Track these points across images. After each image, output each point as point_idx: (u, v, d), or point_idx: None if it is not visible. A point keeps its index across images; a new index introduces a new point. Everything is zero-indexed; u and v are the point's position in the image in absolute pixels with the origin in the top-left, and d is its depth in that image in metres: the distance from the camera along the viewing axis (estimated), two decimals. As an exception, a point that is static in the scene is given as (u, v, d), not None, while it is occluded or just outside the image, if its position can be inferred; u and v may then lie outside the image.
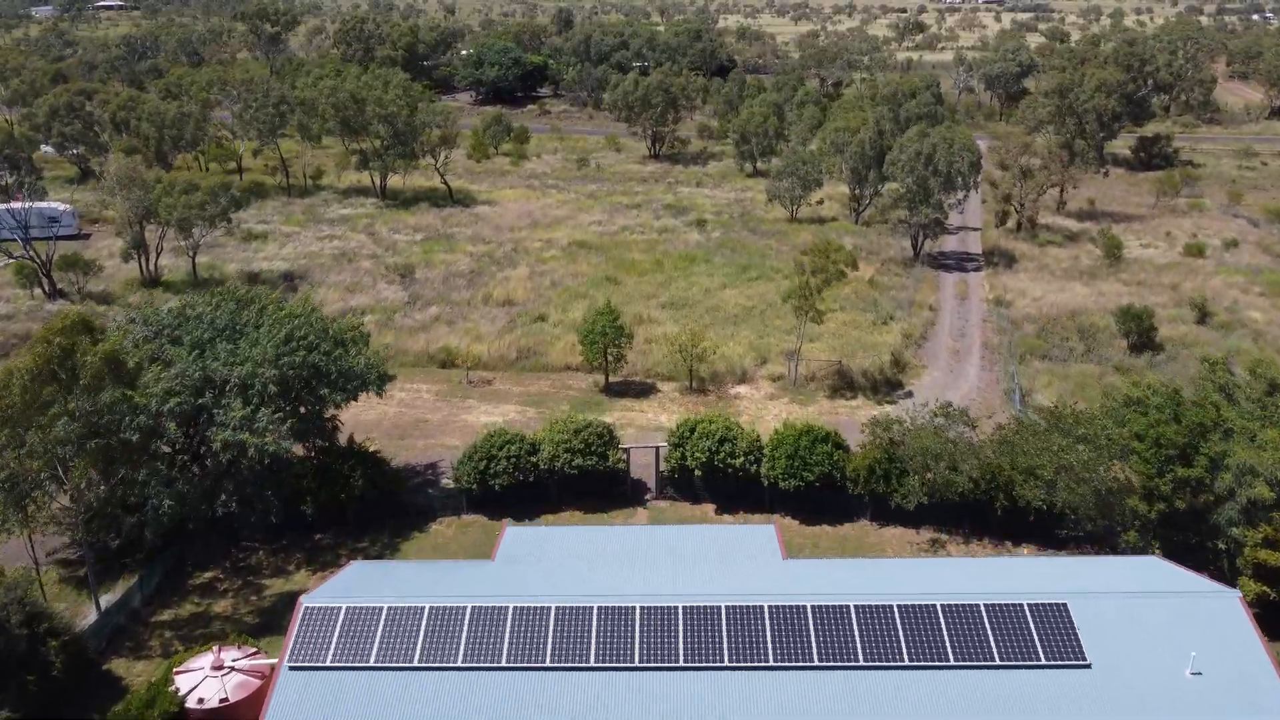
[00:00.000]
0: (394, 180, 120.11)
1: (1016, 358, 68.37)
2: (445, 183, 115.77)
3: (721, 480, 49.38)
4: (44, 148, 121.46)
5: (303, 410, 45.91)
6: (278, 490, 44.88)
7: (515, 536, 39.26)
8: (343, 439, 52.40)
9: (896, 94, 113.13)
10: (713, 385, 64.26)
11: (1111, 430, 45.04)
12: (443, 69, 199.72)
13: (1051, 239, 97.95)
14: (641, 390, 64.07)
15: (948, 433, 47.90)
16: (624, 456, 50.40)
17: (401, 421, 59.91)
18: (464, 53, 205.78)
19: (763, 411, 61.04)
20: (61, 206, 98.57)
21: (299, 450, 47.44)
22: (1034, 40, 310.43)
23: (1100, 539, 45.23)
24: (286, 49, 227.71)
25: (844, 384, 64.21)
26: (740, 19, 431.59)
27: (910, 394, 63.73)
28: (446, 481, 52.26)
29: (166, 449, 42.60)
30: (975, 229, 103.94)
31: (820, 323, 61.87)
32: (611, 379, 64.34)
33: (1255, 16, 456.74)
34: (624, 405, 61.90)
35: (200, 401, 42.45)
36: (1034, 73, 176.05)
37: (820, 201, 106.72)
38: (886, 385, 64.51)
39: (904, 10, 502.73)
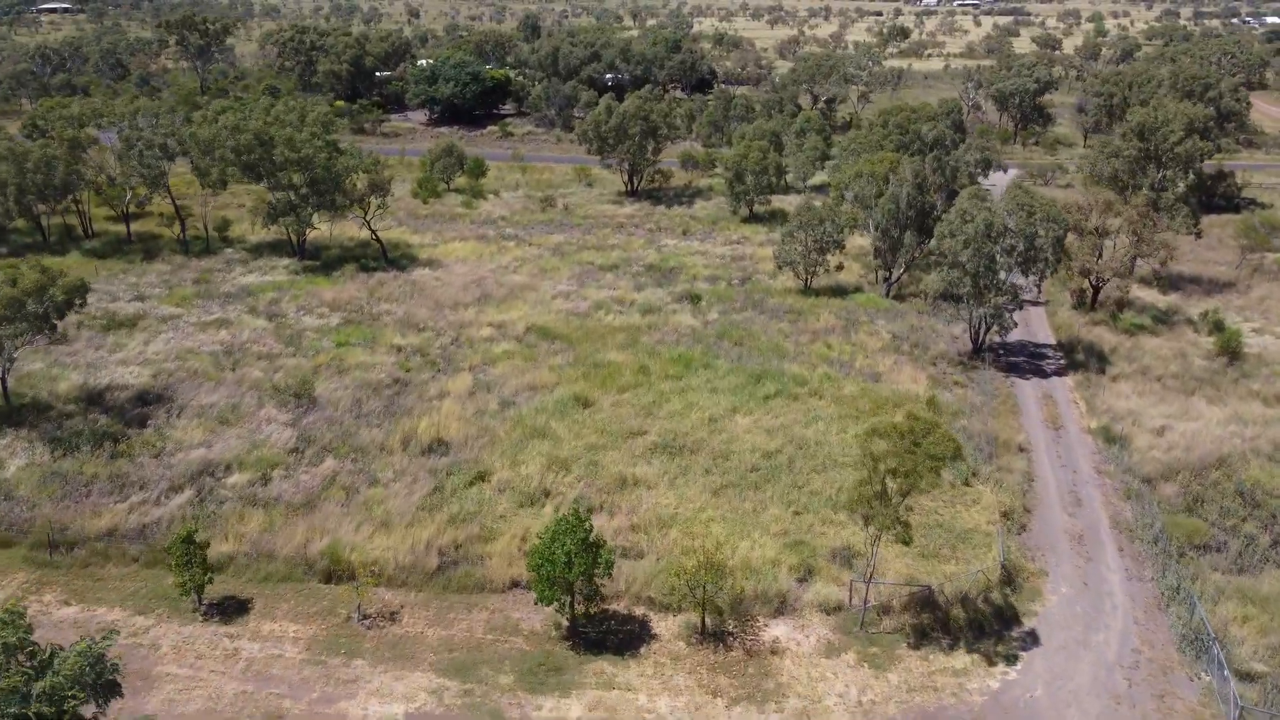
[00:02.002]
0: (320, 230, 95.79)
1: (1174, 555, 45.32)
2: (377, 239, 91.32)
3: None
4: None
5: None
6: None
7: None
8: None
9: (943, 136, 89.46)
10: (736, 623, 40.71)
11: None
12: (393, 84, 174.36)
13: (1139, 321, 75.10)
14: (627, 637, 40.27)
15: None
16: None
17: (241, 716, 35.92)
18: (421, 63, 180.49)
19: (819, 684, 37.55)
20: None
21: None
22: (1020, 46, 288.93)
23: None
24: (232, 56, 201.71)
25: (934, 621, 40.88)
26: (715, 22, 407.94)
27: (1034, 636, 40.51)
28: None
29: None
30: (1036, 303, 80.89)
31: (909, 543, 38.44)
32: (581, 612, 40.66)
33: (1234, 20, 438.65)
34: (598, 671, 38.20)
35: None
36: (1052, 89, 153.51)
37: (840, 266, 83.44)
38: (996, 619, 41.25)
39: (879, 14, 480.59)
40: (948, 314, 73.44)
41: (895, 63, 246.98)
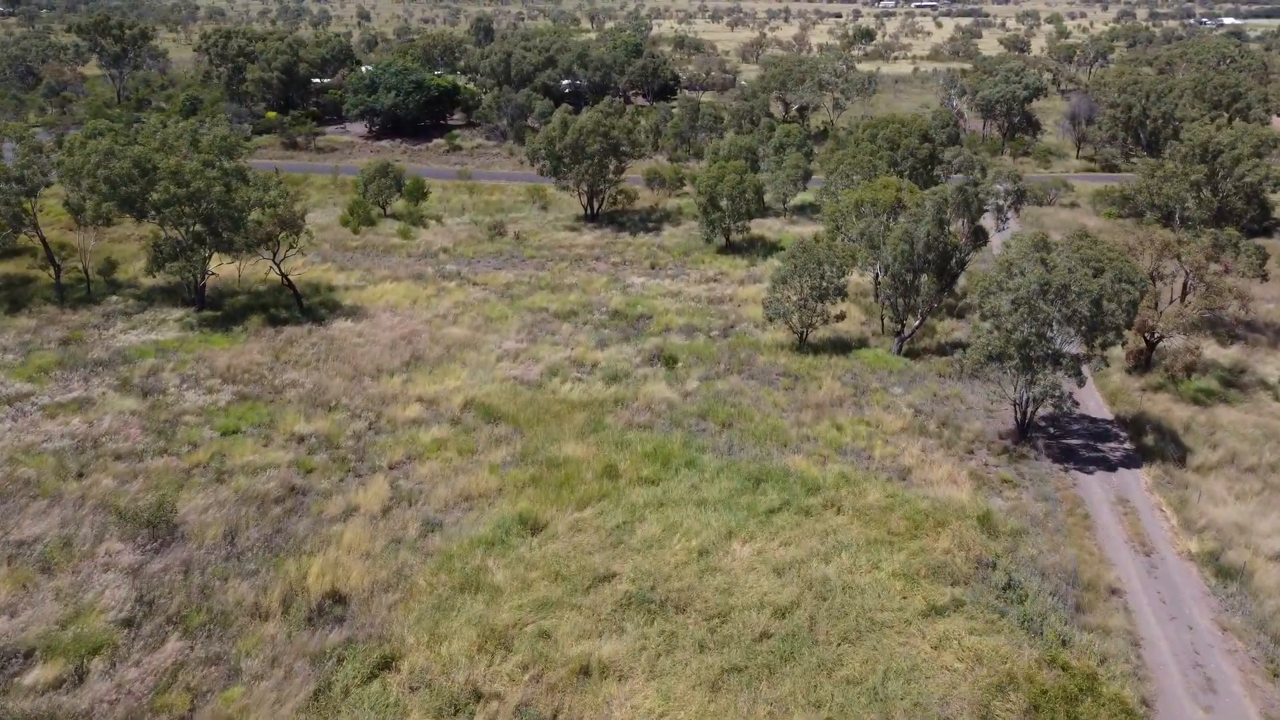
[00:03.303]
0: (226, 270, 79.56)
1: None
2: (289, 284, 75.29)
3: None
4: None
5: None
6: None
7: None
8: None
9: (970, 163, 75.06)
10: None
11: None
12: (332, 93, 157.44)
13: (1207, 386, 61.29)
14: None
15: None
16: None
17: None
18: (362, 70, 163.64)
19: None
20: None
21: None
22: (985, 47, 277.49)
23: None
24: (164, 63, 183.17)
25: None
26: (674, 25, 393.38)
27: None
28: None
29: None
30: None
31: None
32: None
33: (1190, 21, 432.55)
34: None
35: None
36: (1041, 95, 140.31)
37: (841, 316, 68.89)
38: None
39: (839, 15, 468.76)
40: (989, 385, 56.35)
41: (864, 66, 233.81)
